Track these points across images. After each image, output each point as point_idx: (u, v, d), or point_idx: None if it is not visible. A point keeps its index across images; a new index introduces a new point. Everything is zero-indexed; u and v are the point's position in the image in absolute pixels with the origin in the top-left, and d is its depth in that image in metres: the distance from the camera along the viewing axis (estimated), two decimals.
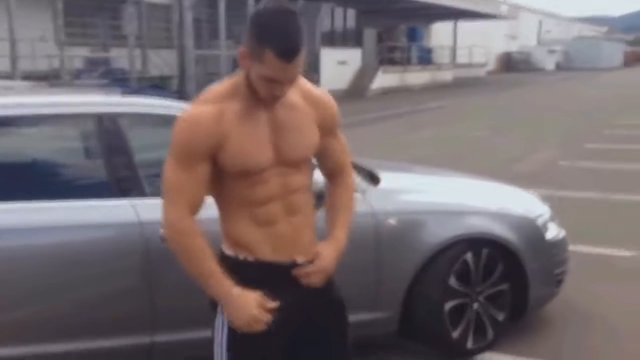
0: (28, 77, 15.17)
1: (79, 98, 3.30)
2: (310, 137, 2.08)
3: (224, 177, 2.01)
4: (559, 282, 3.93)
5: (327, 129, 2.13)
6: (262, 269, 2.05)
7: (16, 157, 3.11)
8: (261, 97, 1.95)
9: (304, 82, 2.11)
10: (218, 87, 2.03)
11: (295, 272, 2.08)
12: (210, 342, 2.14)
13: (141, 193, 2.99)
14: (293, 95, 2.04)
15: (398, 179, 4.04)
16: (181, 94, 3.19)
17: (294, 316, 2.08)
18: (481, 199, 3.89)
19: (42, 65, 16.92)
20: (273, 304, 2.02)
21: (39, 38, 17.11)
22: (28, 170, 3.06)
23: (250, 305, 1.99)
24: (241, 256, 2.06)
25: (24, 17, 16.02)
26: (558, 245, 3.92)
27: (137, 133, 3.14)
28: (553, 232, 3.89)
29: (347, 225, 2.23)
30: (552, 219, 3.97)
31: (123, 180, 2.99)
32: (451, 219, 3.56)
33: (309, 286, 2.12)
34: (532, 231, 3.77)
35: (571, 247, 4.12)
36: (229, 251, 2.09)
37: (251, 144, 1.98)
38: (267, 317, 2.01)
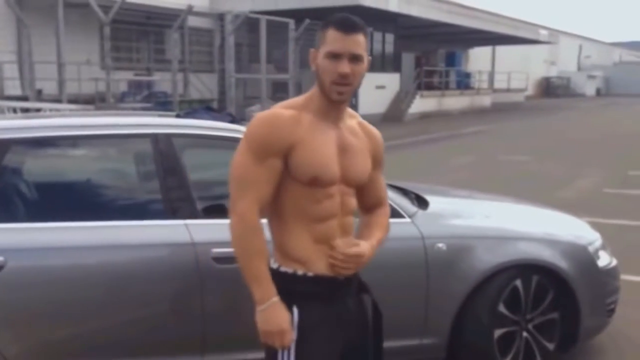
0: (74, 100, 15.61)
1: (134, 119, 3.38)
2: (367, 164, 2.21)
3: (292, 189, 2.07)
4: (610, 311, 3.84)
5: (376, 162, 2.26)
6: (320, 284, 2.10)
7: (72, 177, 3.21)
8: (327, 88, 2.04)
9: (357, 115, 2.26)
10: (297, 98, 2.17)
11: (334, 253, 2.10)
12: None
13: (194, 214, 3.03)
14: (353, 123, 2.21)
15: (446, 203, 4.02)
16: (234, 118, 3.25)
17: (347, 328, 2.14)
18: (531, 224, 3.84)
19: (87, 88, 17.36)
20: (294, 335, 2.03)
21: (85, 62, 17.58)
22: (83, 190, 3.14)
23: (284, 318, 2.03)
24: (300, 271, 2.10)
25: (71, 42, 16.49)
26: (610, 274, 3.83)
27: (191, 154, 3.20)
28: (605, 260, 3.81)
29: (378, 243, 2.25)
30: (603, 246, 3.90)
31: (176, 200, 3.04)
32: (501, 245, 3.52)
33: (346, 278, 2.17)
34: (583, 258, 3.70)
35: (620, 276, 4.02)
36: (285, 267, 2.11)
37: (324, 154, 2.08)
38: (288, 340, 2.03)
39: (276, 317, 2.02)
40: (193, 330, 2.99)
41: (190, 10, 17.42)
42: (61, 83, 16.19)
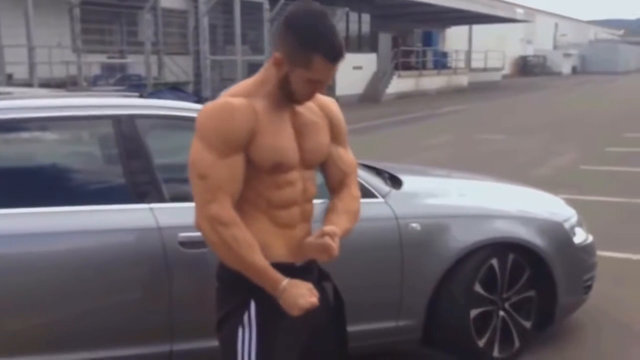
0: (46, 84, 15.28)
1: (95, 100, 3.25)
2: (325, 138, 2.11)
3: (250, 176, 1.96)
4: (587, 288, 3.82)
5: (334, 134, 2.14)
6: (279, 272, 1.98)
7: (32, 161, 3.07)
8: (298, 96, 1.96)
9: None
10: (244, 84, 2.03)
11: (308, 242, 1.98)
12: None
13: (160, 197, 2.92)
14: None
15: (420, 182, 3.95)
16: (200, 98, 3.15)
17: (309, 317, 2.01)
18: (506, 202, 3.79)
19: (59, 72, 17.01)
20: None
21: (56, 45, 17.20)
22: (44, 174, 3.01)
23: (302, 292, 1.93)
24: None
25: (41, 24, 16.12)
26: (586, 250, 3.81)
27: (156, 136, 3.08)
28: (581, 236, 3.78)
29: (345, 234, 2.06)
30: (579, 222, 3.86)
31: (141, 184, 2.92)
32: (476, 223, 3.46)
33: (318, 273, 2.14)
34: (559, 235, 3.66)
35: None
36: None
37: (282, 140, 1.97)
38: (315, 296, 1.95)
39: (301, 296, 1.92)
40: (161, 318, 2.89)
41: None
42: (32, 67, 15.85)
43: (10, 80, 15.86)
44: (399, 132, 15.29)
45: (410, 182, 3.63)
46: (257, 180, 1.97)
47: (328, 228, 1.97)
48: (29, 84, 15.20)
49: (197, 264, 2.83)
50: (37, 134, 3.04)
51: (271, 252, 1.99)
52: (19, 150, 3.07)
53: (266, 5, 18.87)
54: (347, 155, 2.20)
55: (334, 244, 1.93)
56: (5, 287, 2.70)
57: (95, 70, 18.45)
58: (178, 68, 20.53)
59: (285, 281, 1.93)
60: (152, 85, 17.22)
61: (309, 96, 1.99)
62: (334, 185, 2.18)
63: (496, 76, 39.03)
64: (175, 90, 3.31)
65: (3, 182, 2.93)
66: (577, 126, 15.44)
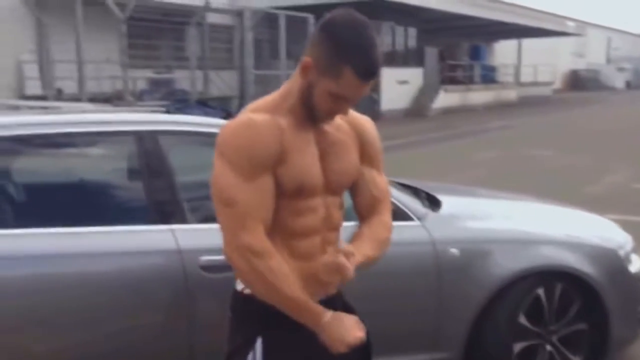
0: (94, 98, 15.52)
1: (118, 116, 3.14)
2: (354, 161, 1.92)
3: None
4: None
5: (366, 156, 1.95)
6: None
7: (48, 179, 2.98)
8: (318, 112, 1.78)
9: None
10: (267, 99, 1.86)
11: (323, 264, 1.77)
12: None
13: (181, 218, 2.78)
14: (336, 119, 1.90)
15: (461, 203, 3.72)
16: (228, 113, 3.05)
17: (328, 354, 1.82)
18: (554, 226, 3.53)
19: (107, 87, 17.29)
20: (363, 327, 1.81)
21: (104, 60, 17.51)
22: (60, 192, 2.91)
23: (353, 328, 1.78)
24: None
25: (90, 40, 16.43)
26: None
27: (180, 153, 2.95)
28: (637, 264, 3.49)
29: (367, 260, 1.85)
30: (635, 249, 3.57)
31: (162, 204, 2.79)
32: (521, 249, 3.22)
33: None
34: (612, 262, 3.39)
35: None
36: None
37: (306, 160, 1.80)
38: (362, 328, 1.81)
39: (343, 330, 1.76)
40: (180, 344, 2.75)
41: (207, 7, 17.26)
42: (81, 82, 16.14)
43: (60, 95, 16.17)
44: (444, 147, 14.96)
45: (449, 203, 3.41)
46: (281, 205, 1.79)
47: (345, 247, 1.79)
48: (77, 99, 15.47)
49: (219, 289, 2.66)
50: (54, 151, 2.94)
51: None
52: (36, 168, 2.98)
53: (312, 20, 18.86)
54: (381, 179, 2.00)
55: (349, 264, 1.72)
56: (17, 310, 2.58)
57: (142, 85, 18.70)
58: (223, 83, 20.66)
59: (328, 314, 1.77)
60: (197, 100, 17.31)
61: (331, 114, 1.80)
62: (363, 212, 1.98)
63: (547, 91, 38.20)
64: (202, 105, 3.19)
65: (17, 201, 2.84)
66: (631, 143, 14.83)
